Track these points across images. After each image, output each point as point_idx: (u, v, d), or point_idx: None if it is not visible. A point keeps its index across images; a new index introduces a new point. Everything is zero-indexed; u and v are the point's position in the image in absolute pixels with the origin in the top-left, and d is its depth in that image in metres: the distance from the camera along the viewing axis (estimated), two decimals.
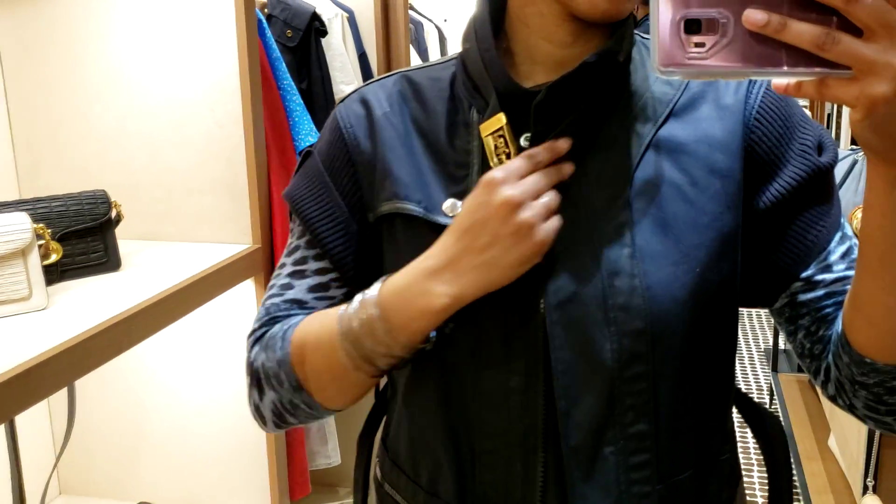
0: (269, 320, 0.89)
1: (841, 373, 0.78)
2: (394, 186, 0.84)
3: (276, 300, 0.90)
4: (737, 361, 4.18)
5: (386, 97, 0.88)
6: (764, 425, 0.95)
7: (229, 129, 1.57)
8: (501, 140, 0.78)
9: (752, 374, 4.08)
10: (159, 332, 1.29)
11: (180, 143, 1.61)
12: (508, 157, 0.78)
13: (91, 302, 1.27)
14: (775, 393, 3.37)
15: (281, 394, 0.86)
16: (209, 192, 1.61)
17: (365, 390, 0.86)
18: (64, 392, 1.57)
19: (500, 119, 0.78)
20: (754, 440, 0.97)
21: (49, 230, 1.32)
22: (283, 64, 1.75)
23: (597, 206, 0.78)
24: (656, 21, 0.57)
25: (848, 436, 2.21)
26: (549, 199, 0.75)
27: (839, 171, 2.65)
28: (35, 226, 1.24)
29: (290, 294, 0.89)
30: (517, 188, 0.74)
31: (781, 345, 3.65)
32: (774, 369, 3.53)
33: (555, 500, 0.80)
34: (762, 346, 4.44)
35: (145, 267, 1.47)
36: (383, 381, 0.96)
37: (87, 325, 1.16)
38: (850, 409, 0.80)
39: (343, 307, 0.81)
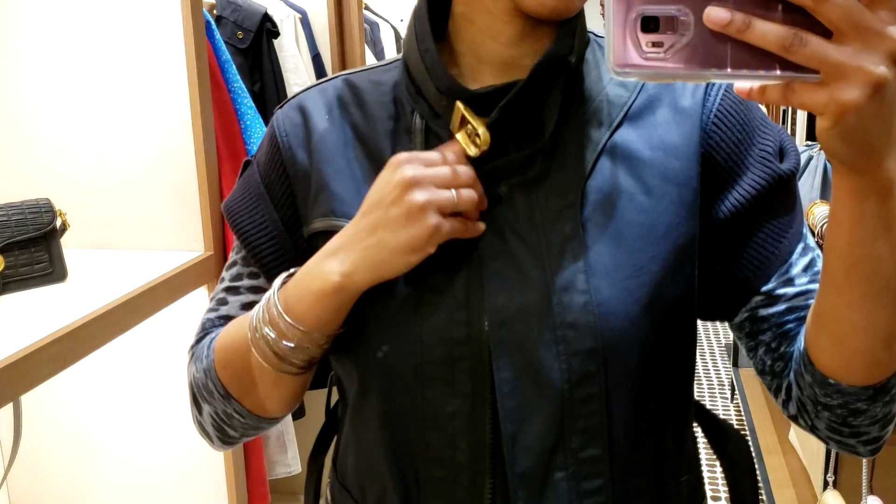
0: (203, 336, 0.88)
1: (803, 392, 0.74)
2: (329, 202, 0.80)
3: (211, 315, 0.89)
4: (699, 357, 4.21)
5: (325, 104, 0.84)
6: (726, 446, 0.90)
7: (178, 133, 1.53)
8: (469, 127, 0.74)
9: (713, 369, 4.11)
10: (107, 344, 1.25)
11: (128, 149, 1.56)
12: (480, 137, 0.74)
13: (35, 314, 1.23)
14: (736, 388, 3.40)
15: (214, 405, 0.84)
16: (159, 198, 1.57)
17: (293, 394, 0.83)
18: (9, 408, 1.52)
19: (459, 107, 0.74)
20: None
21: None
22: (234, 66, 1.71)
23: (546, 216, 0.74)
24: (611, 18, 0.53)
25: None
26: (458, 194, 0.71)
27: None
28: None
29: (223, 310, 0.88)
30: (416, 170, 0.71)
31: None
32: (735, 364, 3.56)
33: None
34: (723, 340, 4.48)
35: (92, 277, 1.43)
36: (334, 397, 0.93)
37: (32, 338, 1.12)
38: (812, 429, 0.77)
39: (255, 308, 0.79)
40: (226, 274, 0.89)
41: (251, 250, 0.84)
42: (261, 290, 0.86)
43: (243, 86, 1.73)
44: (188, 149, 1.54)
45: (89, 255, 1.57)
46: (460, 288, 0.74)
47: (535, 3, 0.71)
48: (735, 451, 0.89)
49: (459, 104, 0.74)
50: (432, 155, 0.73)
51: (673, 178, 0.75)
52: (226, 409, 0.84)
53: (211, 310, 0.89)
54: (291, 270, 0.78)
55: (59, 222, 1.38)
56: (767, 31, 0.50)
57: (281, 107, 0.87)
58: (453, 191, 0.71)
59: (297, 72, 2.07)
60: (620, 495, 0.76)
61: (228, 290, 0.88)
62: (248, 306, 0.86)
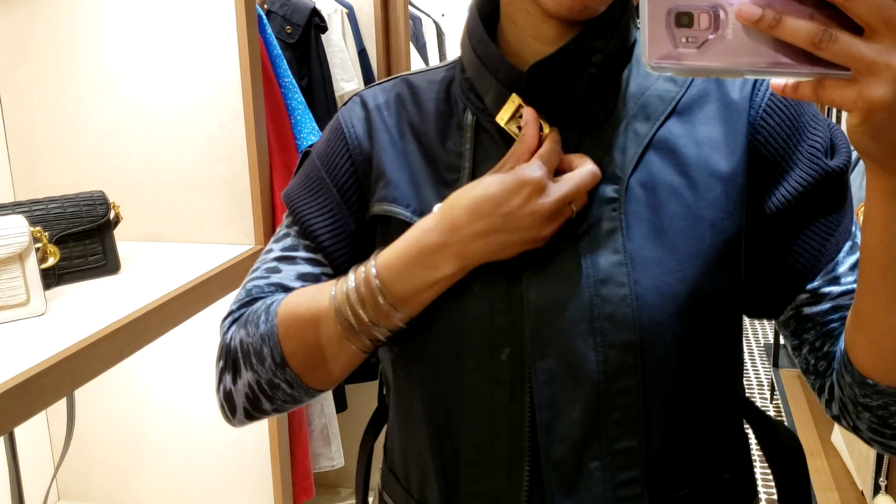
0: (251, 301, 0.86)
1: (844, 393, 0.74)
2: (385, 188, 0.82)
3: (260, 282, 0.87)
4: None
5: (384, 101, 0.87)
6: (779, 444, 0.88)
7: (230, 127, 1.54)
8: (521, 120, 0.76)
9: (752, 370, 4.07)
10: (161, 336, 1.26)
11: (180, 142, 1.57)
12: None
13: (90, 307, 1.24)
14: (776, 388, 3.36)
15: (260, 373, 0.82)
16: (210, 191, 1.58)
17: (350, 369, 0.83)
18: (62, 400, 1.53)
19: (515, 99, 0.76)
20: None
21: (46, 233, 1.29)
22: (284, 61, 1.72)
23: (588, 208, 0.75)
24: (646, 13, 0.54)
25: None
26: (576, 192, 0.73)
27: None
28: (32, 229, 1.21)
29: (275, 278, 0.86)
30: (542, 171, 0.73)
31: (782, 339, 3.64)
32: (776, 365, 3.52)
33: None
34: (762, 341, 4.43)
35: (145, 269, 1.44)
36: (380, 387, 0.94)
37: (88, 331, 1.13)
38: (855, 430, 0.76)
39: (335, 281, 0.79)
40: (274, 245, 0.89)
41: (310, 230, 0.85)
42: (319, 263, 0.86)
43: (294, 81, 1.73)
44: (240, 143, 1.54)
45: (141, 247, 1.58)
46: (501, 277, 0.75)
47: (553, 3, 0.73)
48: (788, 447, 0.88)
49: (516, 97, 0.76)
50: (550, 148, 0.74)
51: (719, 174, 0.75)
52: (273, 379, 0.82)
53: (259, 277, 0.87)
54: (377, 251, 0.79)
55: (112, 215, 1.39)
56: (798, 28, 0.51)
57: (346, 104, 0.90)
58: (568, 188, 0.73)
59: (343, 67, 2.07)
60: (657, 488, 0.76)
61: (281, 259, 0.87)
62: (304, 277, 0.86)
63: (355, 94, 0.90)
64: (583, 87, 0.76)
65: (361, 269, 0.78)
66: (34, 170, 1.63)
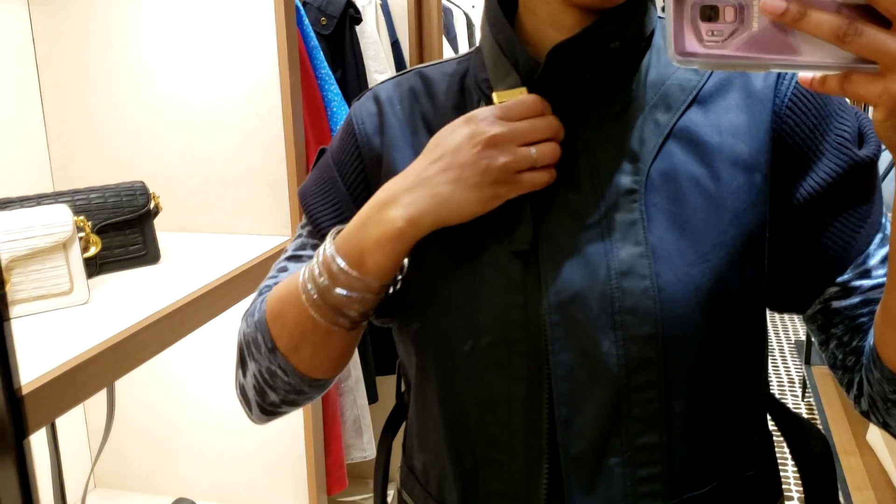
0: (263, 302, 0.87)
1: (873, 389, 0.73)
2: None
3: (270, 282, 0.88)
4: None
5: (398, 96, 0.85)
6: (805, 443, 0.86)
7: (268, 119, 1.54)
8: None
9: (783, 366, 4.03)
10: (202, 326, 1.26)
11: (218, 134, 1.58)
12: None
13: (132, 296, 1.25)
14: (809, 386, 3.32)
15: (260, 362, 0.82)
16: (247, 183, 1.58)
17: (340, 353, 0.82)
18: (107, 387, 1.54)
19: (523, 92, 0.75)
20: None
21: (89, 223, 1.30)
22: (321, 53, 1.72)
23: (608, 199, 0.74)
24: (671, 6, 0.54)
25: None
26: (538, 150, 0.71)
27: (883, 162, 2.59)
28: (76, 218, 1.22)
29: (282, 276, 0.87)
30: (497, 127, 0.71)
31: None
32: (808, 362, 3.48)
33: None
34: (793, 338, 4.39)
35: (184, 260, 1.45)
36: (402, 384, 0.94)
37: (131, 320, 1.13)
38: (884, 426, 0.75)
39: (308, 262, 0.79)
40: (289, 246, 0.90)
41: (320, 231, 0.86)
42: None
43: (330, 72, 1.73)
44: (277, 134, 1.54)
45: (179, 238, 1.59)
46: (518, 270, 0.74)
47: None
48: (815, 446, 0.86)
49: (524, 90, 0.75)
50: (514, 107, 0.72)
51: (742, 163, 0.74)
52: (270, 366, 0.81)
53: (270, 277, 0.89)
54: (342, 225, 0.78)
55: (152, 205, 1.40)
56: (822, 21, 0.51)
57: (359, 98, 0.89)
58: (532, 148, 0.71)
59: (377, 59, 2.07)
60: (678, 485, 0.75)
61: (291, 258, 0.88)
62: None
63: (369, 89, 0.89)
64: (601, 73, 0.75)
65: (324, 241, 0.77)
66: (72, 161, 1.64)
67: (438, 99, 0.84)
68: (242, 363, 0.85)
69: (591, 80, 0.75)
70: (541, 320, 0.73)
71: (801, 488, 2.87)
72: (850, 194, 0.75)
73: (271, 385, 0.83)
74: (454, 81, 0.84)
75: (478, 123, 0.71)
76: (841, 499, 2.54)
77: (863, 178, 0.75)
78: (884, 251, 0.76)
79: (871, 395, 0.74)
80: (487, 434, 0.77)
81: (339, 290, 0.74)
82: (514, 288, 0.74)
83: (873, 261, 0.75)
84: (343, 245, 0.74)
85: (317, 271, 0.75)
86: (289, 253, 0.89)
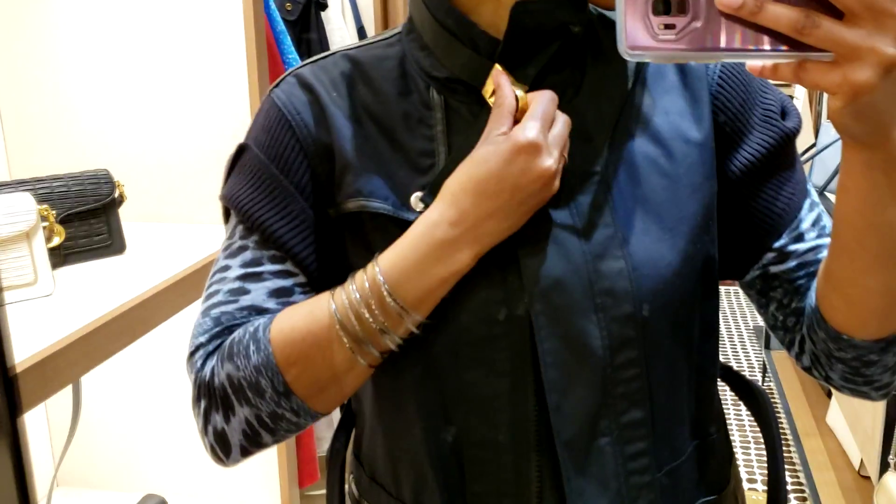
0: (223, 331, 0.77)
1: (816, 347, 0.77)
2: (357, 182, 0.76)
3: (228, 308, 0.77)
4: (728, 340, 4.18)
5: (330, 82, 0.78)
6: (753, 395, 0.94)
7: (235, 106, 1.51)
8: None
9: (742, 352, 4.08)
10: (173, 316, 1.23)
11: (183, 121, 1.54)
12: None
13: (99, 287, 1.21)
14: (769, 370, 3.37)
15: (260, 406, 0.74)
16: (213, 172, 1.55)
17: (357, 386, 0.76)
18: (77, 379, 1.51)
19: (498, 70, 0.73)
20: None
21: (53, 212, 1.26)
22: (288, 37, 1.69)
23: (573, 184, 0.74)
24: (622, 0, 0.54)
25: (861, 412, 2.20)
26: (564, 139, 0.71)
27: (832, 135, 2.65)
28: (39, 207, 1.18)
29: (245, 300, 0.77)
30: (535, 130, 0.69)
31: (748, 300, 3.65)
32: (767, 346, 3.53)
33: (552, 502, 0.76)
34: (751, 323, 4.45)
35: (150, 250, 1.41)
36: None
37: (100, 311, 1.10)
38: (826, 379, 0.80)
39: (331, 294, 0.73)
40: (230, 262, 0.79)
41: (273, 236, 0.77)
42: (289, 274, 0.78)
43: (297, 58, 1.71)
44: (244, 122, 1.51)
45: (144, 228, 1.55)
46: (494, 266, 0.73)
47: None
48: (761, 398, 0.94)
49: (498, 66, 0.73)
50: (548, 108, 0.71)
51: (692, 140, 0.77)
52: (276, 410, 0.74)
53: (224, 302, 0.77)
54: (375, 256, 0.73)
55: (117, 194, 1.36)
56: (780, 14, 0.51)
57: (277, 85, 0.81)
58: (561, 140, 0.72)
59: (342, 45, 2.04)
60: (663, 457, 0.78)
61: (245, 277, 0.77)
62: (277, 293, 0.77)
63: (287, 74, 0.81)
64: (559, 58, 0.75)
65: (363, 276, 0.71)
66: (31, 150, 1.59)
67: (377, 84, 0.78)
68: (225, 408, 0.75)
69: (550, 63, 0.74)
70: (522, 312, 0.73)
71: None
72: (780, 164, 0.79)
73: (271, 428, 0.75)
74: (391, 66, 0.79)
75: (540, 155, 0.69)
76: (803, 480, 2.58)
77: (789, 148, 0.79)
78: (813, 214, 0.80)
79: (813, 353, 0.78)
80: (471, 434, 0.75)
81: (384, 329, 0.71)
82: (491, 284, 0.73)
83: (805, 224, 0.79)
84: (401, 286, 0.70)
85: (367, 315, 0.70)
86: (237, 270, 0.78)
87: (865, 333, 0.72)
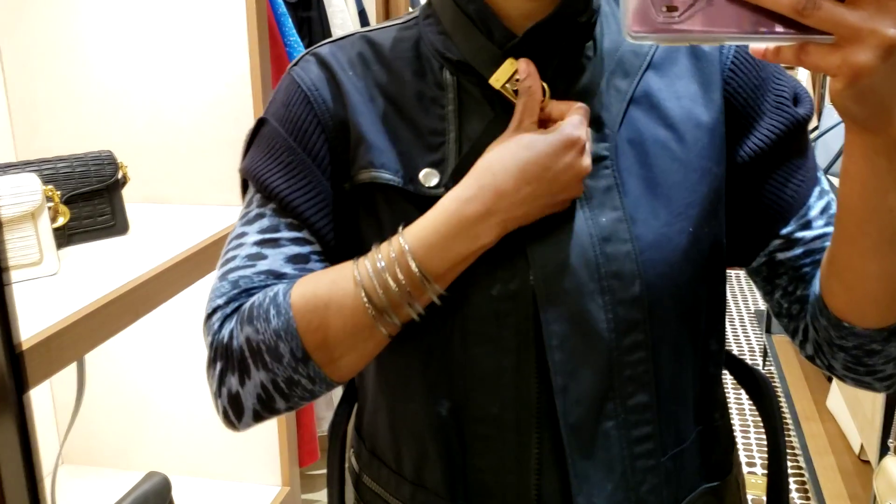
0: (241, 293, 0.77)
1: (819, 335, 0.77)
2: (369, 154, 0.77)
3: (246, 272, 0.77)
4: (728, 324, 4.19)
5: (347, 61, 0.80)
6: (755, 381, 0.94)
7: (237, 87, 1.52)
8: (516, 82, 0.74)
9: (743, 336, 4.09)
10: (175, 296, 1.24)
11: (186, 103, 1.55)
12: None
13: (102, 267, 1.22)
14: (770, 354, 3.38)
15: (276, 371, 0.74)
16: (216, 153, 1.56)
17: (374, 355, 0.77)
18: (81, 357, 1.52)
19: (514, 63, 0.74)
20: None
21: (58, 192, 1.27)
22: (290, 20, 1.69)
23: None
24: None
25: (861, 396, 2.21)
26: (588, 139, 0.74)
27: (835, 117, 2.64)
28: (44, 187, 1.19)
29: (262, 265, 0.77)
30: (584, 128, 0.72)
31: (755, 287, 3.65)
32: (768, 331, 3.54)
33: (552, 482, 0.76)
34: (752, 308, 4.46)
35: (153, 231, 1.42)
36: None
37: (104, 290, 1.11)
38: (829, 368, 0.79)
39: (354, 263, 0.73)
40: (247, 228, 0.79)
41: (290, 205, 0.78)
42: (306, 242, 0.79)
43: (299, 40, 1.71)
44: (246, 103, 1.52)
45: (148, 209, 1.56)
46: (501, 244, 0.73)
47: None
48: (764, 386, 0.93)
49: (513, 60, 0.74)
50: (582, 114, 0.73)
51: (703, 125, 0.77)
52: (293, 376, 0.74)
53: (242, 266, 0.78)
54: (401, 227, 0.74)
55: (120, 175, 1.37)
56: None
57: (296, 64, 0.83)
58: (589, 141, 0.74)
59: (344, 27, 2.04)
60: (668, 441, 0.78)
61: (262, 243, 0.78)
62: (294, 259, 0.78)
63: (307, 53, 0.82)
64: (568, 46, 0.76)
65: (389, 247, 0.72)
66: (37, 130, 1.60)
67: (392, 65, 0.80)
68: (241, 371, 0.75)
69: (560, 53, 0.76)
70: (528, 291, 0.73)
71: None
72: (790, 151, 0.79)
73: (286, 393, 0.76)
74: (407, 47, 0.80)
75: (584, 153, 0.72)
76: (802, 464, 2.59)
77: (801, 135, 0.79)
78: (822, 203, 0.79)
79: (816, 341, 0.78)
80: (475, 409, 0.76)
81: (409, 298, 0.72)
82: (498, 261, 0.73)
83: (813, 212, 0.79)
84: (427, 259, 0.71)
85: (392, 284, 0.71)
86: (255, 236, 0.79)
87: (866, 321, 0.71)
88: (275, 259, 0.77)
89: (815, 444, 2.60)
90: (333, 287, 0.73)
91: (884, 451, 1.79)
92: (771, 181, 0.79)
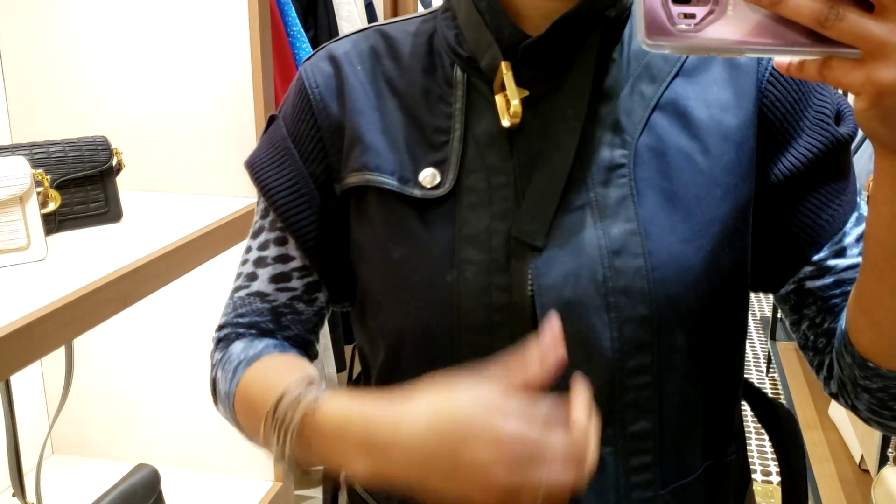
0: (236, 317, 0.83)
1: (843, 372, 0.71)
2: (364, 156, 0.75)
3: (242, 293, 0.83)
4: None
5: (357, 55, 0.78)
6: (777, 421, 0.86)
7: (237, 77, 1.50)
8: (503, 97, 0.71)
9: (748, 343, 4.07)
10: (165, 286, 1.22)
11: (185, 91, 1.53)
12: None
13: (92, 253, 1.20)
14: (773, 361, 3.35)
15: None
16: (215, 142, 1.54)
17: None
18: (60, 351, 1.50)
19: (502, 69, 0.70)
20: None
21: (48, 177, 1.25)
22: (293, 9, 1.67)
23: (596, 174, 0.70)
24: None
25: None
26: (556, 475, 0.57)
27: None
28: (34, 171, 1.17)
29: (254, 286, 0.82)
30: (520, 475, 0.57)
31: (780, 313, 3.63)
32: (773, 337, 3.51)
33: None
34: (758, 314, 4.43)
35: (147, 219, 1.40)
36: (356, 369, 0.89)
37: (90, 277, 1.09)
38: (853, 409, 0.73)
39: (281, 393, 0.68)
40: (252, 243, 0.83)
41: (278, 209, 0.78)
42: (288, 259, 0.80)
43: (302, 30, 1.69)
44: (247, 92, 1.50)
45: (143, 196, 1.54)
46: (500, 250, 0.70)
47: None
48: (786, 424, 0.85)
49: (504, 66, 0.70)
50: (534, 413, 0.59)
51: (731, 137, 0.71)
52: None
53: (241, 287, 0.83)
54: (322, 393, 0.67)
55: (115, 161, 1.35)
56: (802, 4, 0.47)
57: (310, 58, 0.82)
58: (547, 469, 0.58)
59: (350, 20, 2.02)
60: (669, 473, 0.72)
61: (257, 262, 0.82)
62: (276, 279, 0.81)
63: (321, 48, 0.82)
64: (591, 53, 0.71)
65: (300, 403, 0.67)
66: (33, 115, 1.59)
67: (404, 60, 0.77)
68: (215, 398, 0.84)
69: (581, 51, 0.71)
70: (525, 302, 0.69)
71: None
72: (828, 172, 0.73)
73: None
74: (420, 42, 0.78)
75: (496, 467, 0.57)
76: None
77: (841, 155, 0.73)
78: (859, 230, 0.74)
79: (841, 379, 0.72)
80: None
81: (295, 458, 0.68)
82: (496, 268, 0.70)
83: (849, 239, 0.73)
84: (316, 434, 0.65)
85: (277, 434, 0.67)
86: (254, 254, 0.82)
87: (892, 362, 0.65)
88: (262, 280, 0.82)
89: (816, 452, 2.57)
90: (263, 396, 0.71)
91: (883, 461, 1.77)
92: (806, 204, 0.73)
